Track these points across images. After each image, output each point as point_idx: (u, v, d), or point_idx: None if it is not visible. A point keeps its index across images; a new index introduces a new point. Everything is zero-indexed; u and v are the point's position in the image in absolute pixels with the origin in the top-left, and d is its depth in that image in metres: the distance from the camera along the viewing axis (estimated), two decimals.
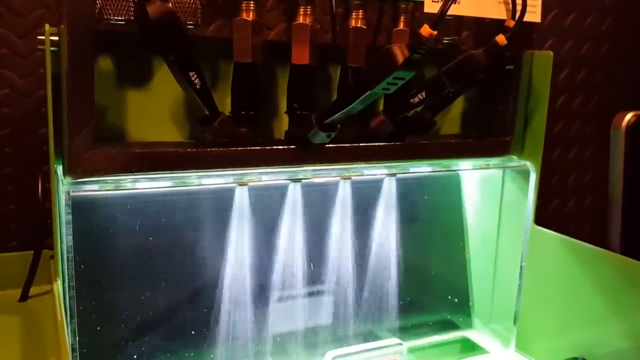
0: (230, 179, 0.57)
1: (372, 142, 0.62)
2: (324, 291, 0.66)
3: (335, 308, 0.67)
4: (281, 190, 0.61)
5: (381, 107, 0.65)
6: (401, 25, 0.62)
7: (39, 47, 0.53)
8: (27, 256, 0.71)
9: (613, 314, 0.61)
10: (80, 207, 0.52)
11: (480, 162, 0.69)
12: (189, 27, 0.54)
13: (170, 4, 0.50)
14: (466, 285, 0.76)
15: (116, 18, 0.52)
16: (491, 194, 0.73)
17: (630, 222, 0.98)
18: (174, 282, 0.60)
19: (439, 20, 0.52)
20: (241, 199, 0.59)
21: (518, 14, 0.59)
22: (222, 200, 0.60)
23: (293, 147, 0.58)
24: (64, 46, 0.47)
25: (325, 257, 0.65)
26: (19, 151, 0.75)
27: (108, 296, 0.57)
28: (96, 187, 0.51)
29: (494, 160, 0.70)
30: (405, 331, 0.71)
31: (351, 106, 0.54)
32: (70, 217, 0.50)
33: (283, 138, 0.61)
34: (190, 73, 0.52)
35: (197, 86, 0.53)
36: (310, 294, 0.66)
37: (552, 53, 0.69)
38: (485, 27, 0.66)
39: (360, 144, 0.61)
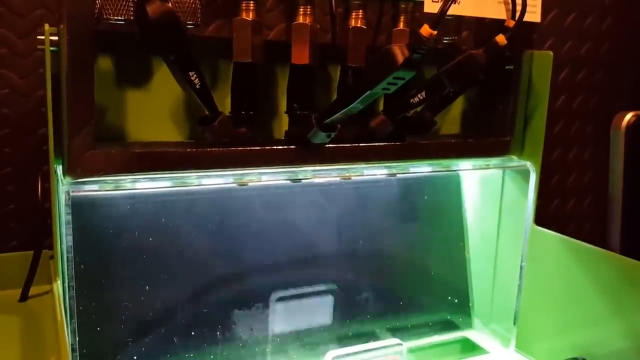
0: (230, 179, 0.57)
1: (372, 142, 0.62)
2: (324, 291, 0.66)
3: (335, 308, 0.67)
4: (281, 190, 0.61)
5: (381, 107, 0.65)
6: (401, 25, 0.62)
7: (39, 47, 0.53)
8: (27, 256, 0.71)
9: (613, 314, 0.61)
10: (80, 207, 0.52)
11: (480, 162, 0.69)
12: (188, 27, 0.54)
13: (170, 4, 0.50)
14: (466, 285, 0.76)
15: (116, 18, 0.52)
16: (491, 194, 0.73)
17: (630, 222, 0.98)
18: (174, 282, 0.60)
19: (439, 20, 0.52)
20: (241, 199, 0.59)
21: (518, 14, 0.59)
22: (222, 200, 0.60)
23: (293, 147, 0.58)
24: (64, 46, 0.47)
25: (326, 257, 0.65)
26: (18, 151, 0.75)
27: (108, 296, 0.57)
28: (96, 187, 0.51)
29: (494, 160, 0.70)
30: (405, 331, 0.71)
31: (351, 106, 0.54)
32: (70, 217, 0.50)
33: (283, 138, 0.61)
34: (190, 73, 0.52)
35: (197, 86, 0.53)
36: (310, 294, 0.66)
37: (552, 53, 0.69)
38: (485, 27, 0.66)
39: (360, 144, 0.61)
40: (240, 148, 0.56)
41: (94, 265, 0.56)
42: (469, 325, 0.76)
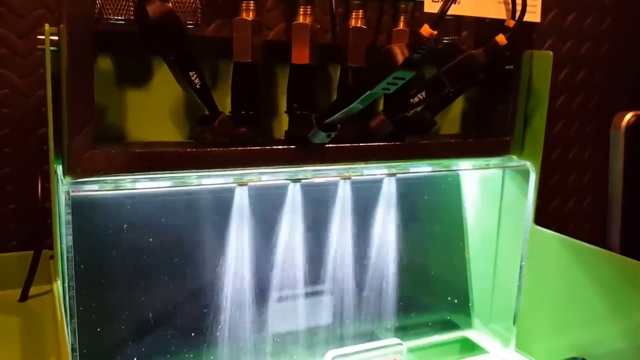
0: (230, 179, 0.57)
1: (372, 142, 0.62)
2: (324, 291, 0.66)
3: (335, 308, 0.67)
4: (281, 190, 0.61)
5: (381, 107, 0.65)
6: (401, 25, 0.62)
7: (39, 47, 0.53)
8: (27, 256, 0.71)
9: (612, 314, 0.61)
10: (80, 207, 0.52)
11: (480, 162, 0.69)
12: (188, 26, 0.54)
13: (170, 4, 0.50)
14: (466, 285, 0.76)
15: (116, 18, 0.52)
16: (491, 193, 0.73)
17: (630, 222, 0.98)
18: (174, 282, 0.60)
19: (439, 20, 0.52)
20: (241, 199, 0.59)
21: (518, 13, 0.59)
22: (222, 200, 0.60)
23: (293, 147, 0.58)
24: (64, 46, 0.47)
25: (325, 257, 0.65)
26: (18, 151, 0.75)
27: (108, 296, 0.57)
28: (96, 187, 0.51)
29: (493, 160, 0.70)
30: (405, 331, 0.71)
31: (351, 106, 0.54)
32: (70, 217, 0.50)
33: (283, 138, 0.61)
34: (190, 73, 0.52)
35: (197, 86, 0.53)
36: (310, 294, 0.66)
37: (551, 53, 0.69)
38: (485, 27, 0.66)
39: (360, 144, 0.61)
40: (240, 148, 0.56)
41: (94, 265, 0.56)
42: (468, 325, 0.76)
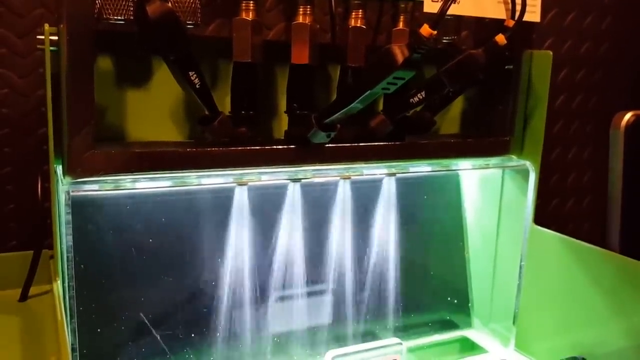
0: (230, 179, 0.57)
1: (372, 142, 0.62)
2: (324, 291, 0.66)
3: (335, 308, 0.67)
4: (281, 190, 0.61)
5: (381, 107, 0.65)
6: (401, 25, 0.62)
7: (39, 46, 0.53)
8: (26, 256, 0.71)
9: (613, 314, 0.62)
10: (80, 207, 0.52)
11: (480, 161, 0.69)
12: (188, 26, 0.54)
13: (169, 4, 0.50)
14: (466, 285, 0.76)
15: (116, 18, 0.52)
16: (491, 193, 0.73)
17: (630, 221, 0.98)
18: (174, 282, 0.60)
19: (438, 20, 0.52)
20: (241, 199, 0.59)
21: (517, 13, 0.59)
22: (222, 200, 0.60)
23: (293, 147, 0.58)
24: (64, 46, 0.47)
25: (325, 256, 0.65)
26: (18, 151, 0.75)
27: (108, 296, 0.57)
28: (96, 187, 0.51)
29: (493, 160, 0.70)
30: (405, 331, 0.71)
31: (351, 106, 0.54)
32: (70, 217, 0.50)
33: (283, 138, 0.61)
34: (190, 73, 0.52)
35: (197, 86, 0.53)
36: (310, 294, 0.66)
37: (551, 52, 0.69)
38: (484, 26, 0.66)
39: (360, 144, 0.61)
40: (240, 148, 0.56)
41: (94, 265, 0.56)
42: (468, 324, 0.76)
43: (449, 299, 0.75)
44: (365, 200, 0.66)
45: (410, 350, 0.69)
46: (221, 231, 0.60)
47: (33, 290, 0.71)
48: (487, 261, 0.74)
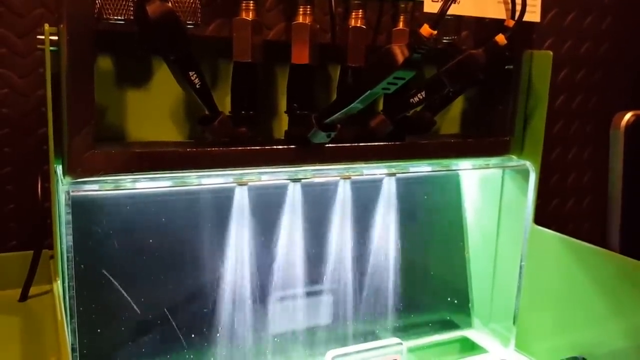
0: (230, 179, 0.57)
1: (372, 142, 0.62)
2: (324, 291, 0.66)
3: (335, 308, 0.67)
4: (281, 190, 0.61)
5: (381, 107, 0.65)
6: (401, 25, 0.62)
7: (39, 46, 0.53)
8: (27, 256, 0.71)
9: (613, 314, 0.62)
10: (80, 207, 0.52)
11: (480, 161, 0.69)
12: (188, 26, 0.54)
13: (170, 4, 0.50)
14: (466, 285, 0.76)
15: (116, 18, 0.52)
16: (491, 193, 0.73)
17: (630, 221, 0.98)
18: (174, 282, 0.60)
19: (438, 20, 0.52)
20: (241, 199, 0.59)
21: (518, 13, 0.59)
22: (222, 200, 0.60)
23: (293, 147, 0.58)
24: (64, 46, 0.47)
25: (325, 257, 0.65)
26: (18, 151, 0.75)
27: (108, 296, 0.57)
28: (96, 187, 0.51)
29: (493, 160, 0.70)
30: (405, 331, 0.71)
31: (351, 106, 0.54)
32: (70, 217, 0.50)
33: (283, 138, 0.61)
34: (190, 73, 0.52)
35: (197, 86, 0.53)
36: (310, 294, 0.66)
37: (551, 53, 0.69)
38: (484, 26, 0.66)
39: (360, 144, 0.61)
40: (240, 148, 0.56)
41: (94, 265, 0.56)
42: (468, 324, 0.76)
43: (449, 299, 0.75)
44: (365, 200, 0.66)
45: (411, 350, 0.69)
46: (221, 231, 0.60)
47: (33, 290, 0.71)
48: (487, 261, 0.74)
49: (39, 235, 0.71)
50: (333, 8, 0.59)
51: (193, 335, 0.61)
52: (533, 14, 0.61)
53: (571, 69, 1.06)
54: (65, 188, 0.50)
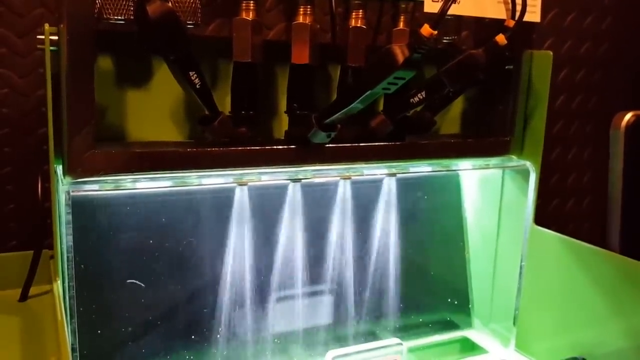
0: (230, 179, 0.57)
1: (372, 142, 0.62)
2: (324, 291, 0.66)
3: (335, 308, 0.67)
4: (281, 190, 0.61)
5: (381, 107, 0.65)
6: (401, 25, 0.62)
7: (39, 46, 0.53)
8: (27, 256, 0.71)
9: (613, 314, 0.61)
10: (80, 207, 0.52)
11: (480, 161, 0.69)
12: (188, 26, 0.54)
13: (170, 4, 0.50)
14: (466, 285, 0.76)
15: (116, 17, 0.52)
16: (491, 193, 0.73)
17: (630, 222, 0.98)
18: (174, 282, 0.60)
19: (439, 20, 0.52)
20: (241, 199, 0.59)
21: (518, 13, 0.59)
22: (222, 200, 0.60)
23: (293, 147, 0.58)
24: (64, 46, 0.47)
25: (325, 257, 0.65)
26: (18, 151, 0.75)
27: (108, 296, 0.57)
28: (96, 187, 0.51)
29: (493, 160, 0.70)
30: (405, 331, 0.71)
31: (351, 106, 0.53)
32: (70, 217, 0.50)
33: (283, 138, 0.61)
34: (190, 73, 0.52)
35: (197, 86, 0.53)
36: (310, 294, 0.66)
37: (551, 53, 0.69)
38: (485, 26, 0.66)
39: (360, 144, 0.61)
40: (240, 148, 0.56)
41: (94, 265, 0.56)
42: (468, 324, 0.76)
43: (449, 299, 0.75)
44: (365, 200, 0.66)
45: (411, 350, 0.69)
46: (221, 231, 0.60)
47: (33, 290, 0.71)
48: (487, 261, 0.74)
49: (39, 235, 0.71)
50: (333, 8, 0.59)
51: (193, 336, 0.61)
52: (533, 14, 0.61)
53: (571, 69, 1.06)
54: (65, 188, 0.50)
